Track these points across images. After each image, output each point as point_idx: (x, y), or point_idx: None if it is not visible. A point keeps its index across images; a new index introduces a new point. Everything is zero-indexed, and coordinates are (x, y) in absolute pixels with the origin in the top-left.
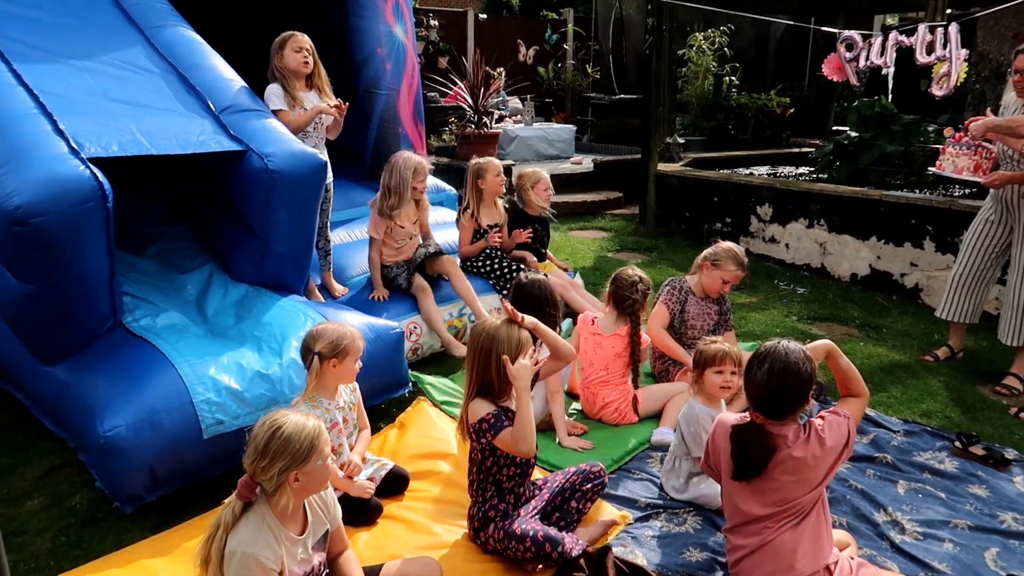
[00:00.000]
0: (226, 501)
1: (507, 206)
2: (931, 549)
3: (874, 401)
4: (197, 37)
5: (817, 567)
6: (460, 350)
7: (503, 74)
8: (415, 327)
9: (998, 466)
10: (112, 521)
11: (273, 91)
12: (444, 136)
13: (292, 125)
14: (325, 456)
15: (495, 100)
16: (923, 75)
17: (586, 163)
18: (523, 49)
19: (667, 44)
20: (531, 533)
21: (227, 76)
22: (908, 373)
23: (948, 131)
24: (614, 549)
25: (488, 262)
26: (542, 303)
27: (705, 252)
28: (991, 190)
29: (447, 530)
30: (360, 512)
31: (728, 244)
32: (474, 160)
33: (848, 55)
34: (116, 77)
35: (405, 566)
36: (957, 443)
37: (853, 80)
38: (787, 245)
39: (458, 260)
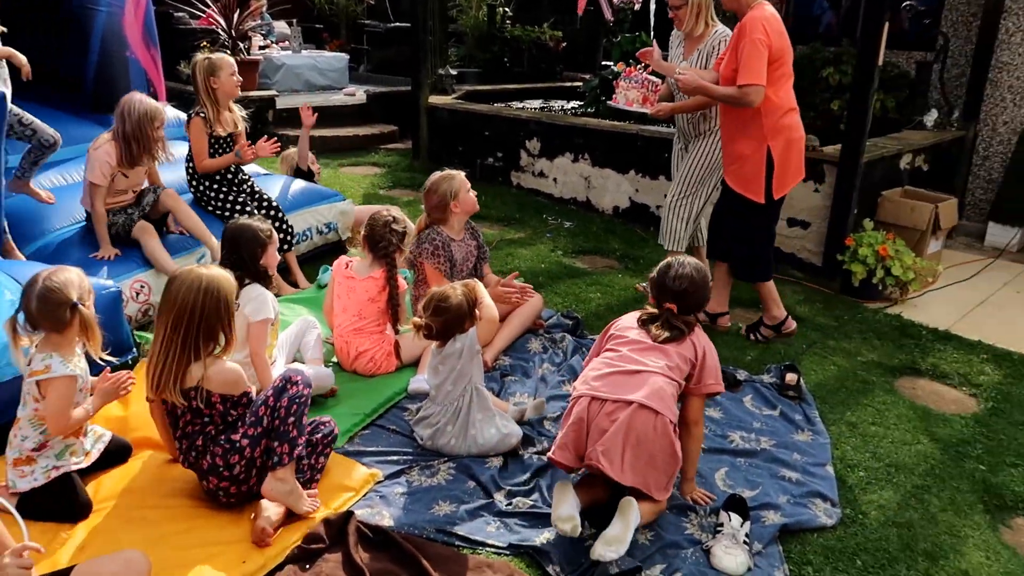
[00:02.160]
0: None
1: (244, 117)
2: None
3: None
4: None
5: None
6: None
7: None
8: (142, 286)
9: (730, 387)
10: None
11: None
12: None
13: None
14: None
15: (255, 23)
16: None
17: (360, 95)
18: None
19: None
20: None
21: None
22: None
23: (620, 66)
24: (361, 511)
25: (224, 199)
26: (243, 248)
27: (441, 195)
28: (676, 120)
29: (165, 515)
30: (66, 508)
31: (436, 176)
32: (202, 56)
33: None
34: None
35: (99, 566)
36: None
37: (608, 15)
38: (555, 179)
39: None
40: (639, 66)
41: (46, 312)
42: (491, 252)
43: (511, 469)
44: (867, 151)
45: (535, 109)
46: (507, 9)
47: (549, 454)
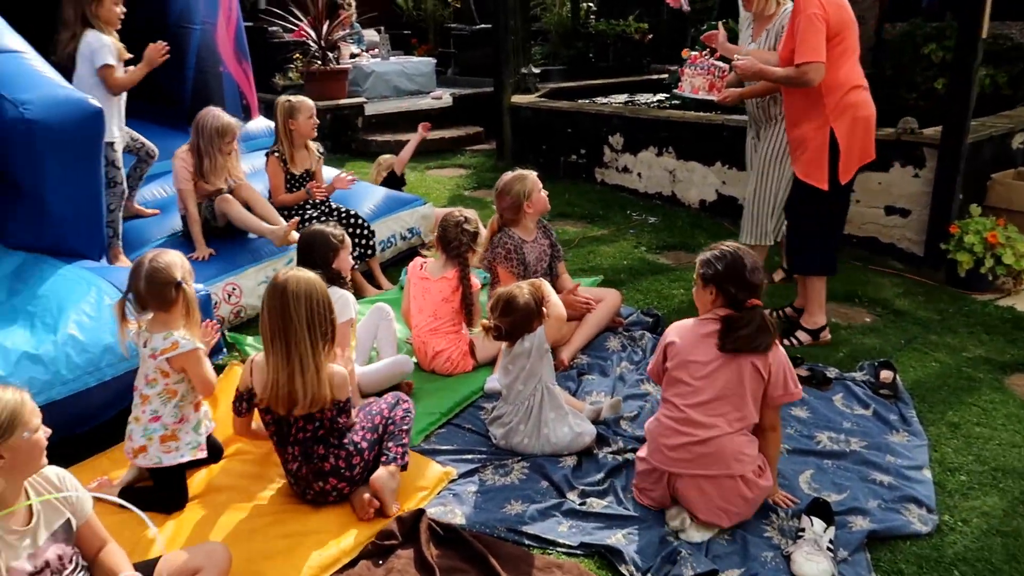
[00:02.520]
0: None
1: (321, 152)
2: None
3: None
4: None
5: (752, 462)
6: (291, 237)
7: (353, 5)
8: (234, 288)
9: (820, 386)
10: None
11: (106, 43)
12: (290, 74)
13: (124, 83)
14: (34, 427)
15: (343, 33)
16: None
17: (446, 98)
18: None
19: None
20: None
21: None
22: None
23: (686, 52)
24: (434, 509)
25: (301, 217)
26: (316, 252)
27: (514, 196)
28: (746, 106)
29: (249, 510)
30: (168, 497)
31: (508, 176)
32: (284, 98)
33: None
34: None
35: (183, 557)
36: None
37: (685, 7)
38: (639, 174)
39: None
40: (705, 51)
41: (154, 291)
42: (572, 250)
43: (585, 468)
44: (973, 131)
45: (619, 104)
46: (591, 4)
47: (637, 497)
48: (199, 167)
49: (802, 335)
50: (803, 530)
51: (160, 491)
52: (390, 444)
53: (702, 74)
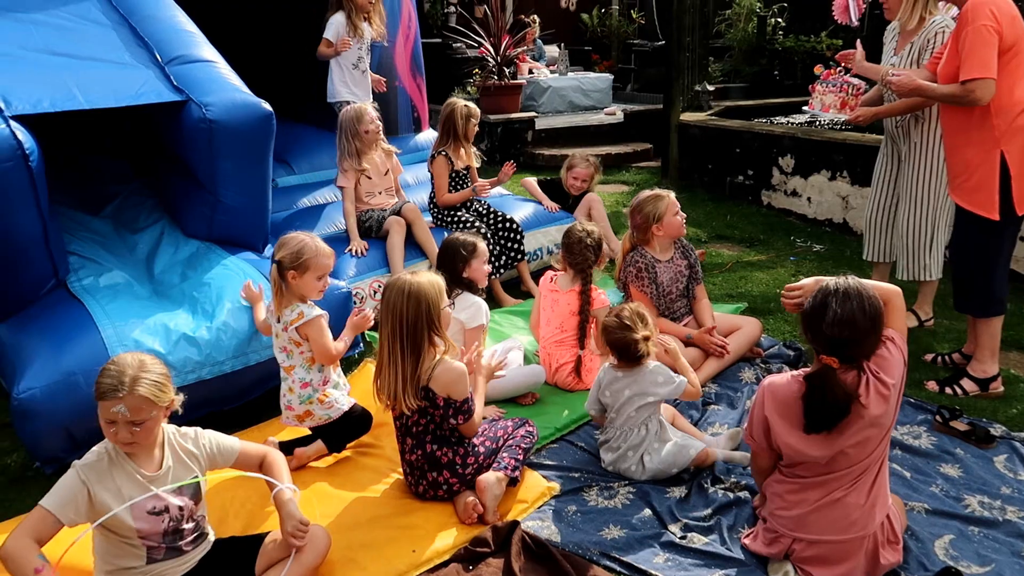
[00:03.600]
0: None
1: (477, 152)
2: None
3: None
4: None
5: (882, 517)
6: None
7: (537, 21)
8: (380, 285)
9: (980, 443)
10: (41, 480)
11: (338, 20)
12: (468, 88)
13: (324, 54)
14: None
15: (519, 50)
16: None
17: (619, 114)
18: None
19: None
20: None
21: (180, 27)
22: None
23: (818, 68)
24: (531, 523)
25: (456, 219)
26: (447, 260)
27: (645, 215)
28: (885, 124)
29: (358, 499)
30: (357, 424)
31: (645, 195)
32: (462, 102)
33: None
34: (62, 29)
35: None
36: (938, 417)
37: (854, 22)
38: (809, 199)
39: (428, 217)
40: (839, 68)
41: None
42: (723, 275)
43: (693, 501)
44: None
45: (798, 123)
46: (779, 19)
47: (745, 542)
48: (356, 156)
49: (968, 384)
50: None
51: (346, 430)
52: (504, 455)
53: (834, 91)
